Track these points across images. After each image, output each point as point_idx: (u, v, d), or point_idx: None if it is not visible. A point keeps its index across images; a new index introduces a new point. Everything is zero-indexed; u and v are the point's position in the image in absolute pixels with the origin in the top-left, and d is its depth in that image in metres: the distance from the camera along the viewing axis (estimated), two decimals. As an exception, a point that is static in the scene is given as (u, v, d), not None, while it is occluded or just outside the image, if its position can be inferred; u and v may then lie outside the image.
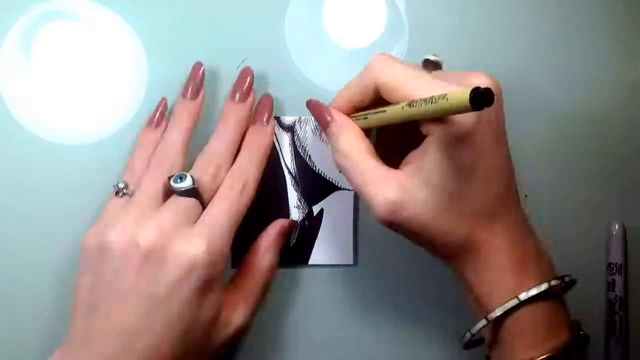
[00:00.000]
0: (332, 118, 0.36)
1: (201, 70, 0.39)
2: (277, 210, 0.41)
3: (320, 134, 0.41)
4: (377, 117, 0.34)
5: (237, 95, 0.39)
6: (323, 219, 0.41)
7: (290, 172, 0.41)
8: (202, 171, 0.37)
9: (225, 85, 0.40)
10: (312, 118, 0.39)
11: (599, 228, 0.43)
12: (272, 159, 0.40)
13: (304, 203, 0.41)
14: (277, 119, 0.40)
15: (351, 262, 0.42)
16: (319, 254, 0.41)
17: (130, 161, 0.38)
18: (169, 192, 0.36)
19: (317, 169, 0.41)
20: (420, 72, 0.34)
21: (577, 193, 0.43)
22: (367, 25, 0.41)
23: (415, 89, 0.32)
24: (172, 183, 0.36)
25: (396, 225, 0.33)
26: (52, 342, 0.39)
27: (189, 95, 0.39)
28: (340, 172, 0.35)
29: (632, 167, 0.44)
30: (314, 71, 0.41)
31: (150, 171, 0.37)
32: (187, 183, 0.35)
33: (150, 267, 0.33)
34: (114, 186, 0.37)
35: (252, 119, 0.40)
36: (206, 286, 0.34)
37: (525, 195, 0.43)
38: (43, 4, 0.39)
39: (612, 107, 0.44)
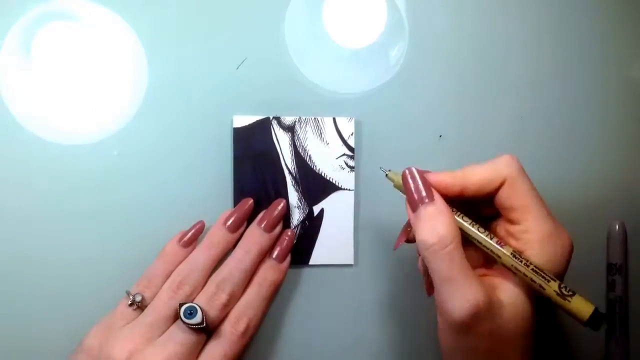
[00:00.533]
0: (432, 198, 0.33)
1: (248, 207, 0.40)
2: None
3: (320, 136, 0.41)
4: (477, 236, 0.33)
5: (265, 224, 0.39)
6: (323, 219, 0.41)
7: (290, 172, 0.41)
8: (212, 301, 0.37)
9: (226, 85, 0.40)
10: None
11: (599, 228, 0.43)
12: (273, 159, 0.40)
13: (304, 203, 0.41)
14: (277, 119, 0.40)
15: (351, 262, 0.42)
16: (320, 254, 0.41)
17: (149, 271, 0.39)
18: (177, 316, 0.36)
19: (317, 169, 0.41)
20: (543, 201, 0.33)
21: (577, 193, 0.43)
22: (367, 25, 0.41)
23: (538, 210, 0.32)
24: (182, 316, 0.35)
25: (474, 330, 0.31)
26: (53, 342, 0.39)
27: (230, 229, 0.39)
28: (425, 256, 0.32)
29: (632, 167, 0.44)
30: (314, 71, 0.41)
31: (170, 291, 0.37)
32: (197, 320, 0.35)
33: None
34: (130, 296, 0.37)
35: (270, 255, 0.40)
36: None
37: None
38: (43, 4, 0.39)
39: (612, 106, 0.44)
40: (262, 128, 0.40)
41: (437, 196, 0.33)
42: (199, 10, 0.40)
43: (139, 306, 0.37)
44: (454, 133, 0.42)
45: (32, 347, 0.39)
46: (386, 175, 0.36)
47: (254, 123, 0.40)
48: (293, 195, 0.41)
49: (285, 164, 0.41)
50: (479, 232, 0.33)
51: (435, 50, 0.42)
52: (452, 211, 0.33)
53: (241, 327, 0.37)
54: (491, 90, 0.42)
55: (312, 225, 0.41)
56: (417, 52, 0.42)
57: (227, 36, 0.41)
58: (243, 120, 0.40)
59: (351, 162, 0.41)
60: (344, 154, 0.41)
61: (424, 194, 0.33)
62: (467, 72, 0.42)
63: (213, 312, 0.37)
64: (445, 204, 0.33)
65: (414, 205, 0.33)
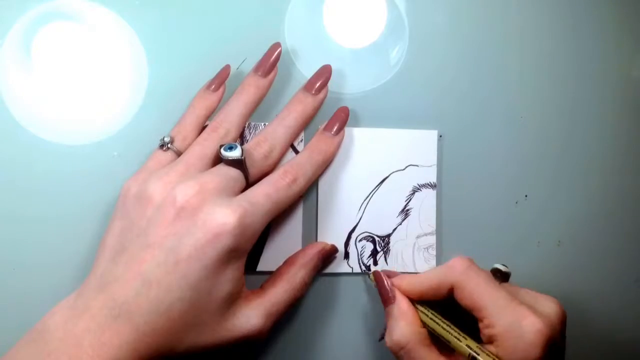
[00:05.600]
0: (395, 299, 0.36)
1: (278, 51, 0.39)
2: None
3: None
4: (440, 330, 0.35)
5: (314, 88, 0.39)
6: (271, 226, 0.40)
7: None
8: (255, 147, 0.37)
9: (227, 85, 0.40)
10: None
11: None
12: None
13: None
14: None
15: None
16: (268, 260, 0.40)
17: (181, 119, 0.39)
18: (217, 160, 0.36)
19: None
20: (500, 286, 0.34)
21: (577, 193, 0.44)
22: (367, 25, 0.41)
23: (492, 304, 0.33)
24: (221, 150, 0.35)
25: None
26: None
27: (260, 72, 0.39)
28: (392, 353, 0.35)
29: (632, 167, 0.44)
30: (314, 71, 0.41)
31: (204, 134, 0.37)
32: (236, 153, 0.35)
33: (180, 224, 0.33)
34: (161, 139, 0.38)
35: (323, 125, 0.40)
36: (229, 257, 0.33)
37: (525, 196, 0.43)
38: (43, 4, 0.39)
39: (612, 106, 0.44)
40: None
41: (399, 298, 0.36)
42: (199, 10, 0.40)
43: (170, 148, 0.37)
44: (454, 133, 0.42)
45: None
46: (368, 276, 0.39)
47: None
48: None
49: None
50: (443, 327, 0.35)
51: (435, 50, 0.42)
52: (420, 308, 0.36)
53: (289, 177, 0.37)
54: (491, 90, 0.43)
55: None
56: (417, 52, 0.42)
57: (227, 36, 0.41)
58: None
59: None
60: None
61: (389, 295, 0.37)
62: (467, 72, 0.42)
63: (255, 154, 0.37)
64: (406, 304, 0.36)
65: (383, 304, 0.37)
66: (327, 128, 0.40)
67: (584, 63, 0.43)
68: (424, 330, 0.35)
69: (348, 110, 0.40)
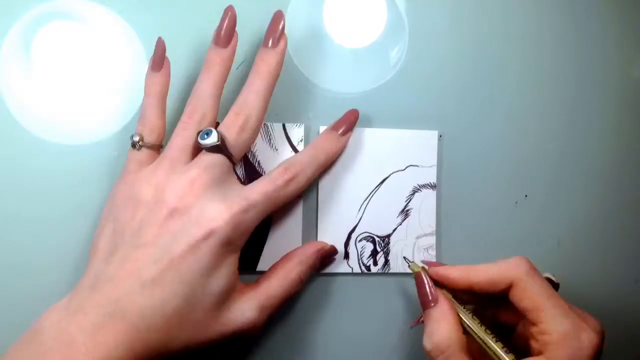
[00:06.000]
0: (437, 302, 0.35)
1: (232, 15, 0.37)
2: None
3: (269, 142, 0.40)
4: (482, 336, 0.34)
5: (271, 41, 0.37)
6: (271, 226, 0.40)
7: (239, 178, 0.40)
8: (230, 124, 0.36)
9: (227, 85, 0.40)
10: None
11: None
12: None
13: None
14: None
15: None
16: (267, 261, 0.40)
17: (141, 111, 0.37)
18: (198, 146, 0.36)
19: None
20: (558, 295, 0.33)
21: (577, 192, 0.44)
22: (367, 25, 0.41)
23: (552, 310, 0.32)
24: (199, 140, 0.35)
25: None
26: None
27: (220, 44, 0.37)
28: (428, 358, 0.34)
29: (632, 167, 0.44)
30: (314, 71, 0.41)
31: (181, 123, 0.37)
32: (212, 139, 0.35)
33: (173, 223, 0.33)
34: (130, 139, 0.37)
35: (330, 125, 0.40)
36: (223, 253, 0.34)
37: (525, 196, 0.43)
38: (43, 4, 0.39)
39: (612, 106, 0.44)
40: None
41: (441, 300, 0.35)
42: (199, 10, 0.40)
43: (141, 145, 0.37)
44: (454, 133, 0.42)
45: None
46: (409, 265, 0.37)
47: None
48: None
49: (234, 170, 0.40)
50: (485, 334, 0.34)
51: (435, 50, 0.42)
52: (463, 310, 0.35)
53: (288, 175, 0.36)
54: (491, 90, 0.43)
55: (259, 232, 0.40)
56: (417, 52, 0.42)
57: (227, 36, 0.41)
58: None
59: None
60: None
61: (429, 297, 0.35)
62: (467, 72, 0.42)
63: (231, 135, 0.36)
64: (448, 308, 0.34)
65: (422, 306, 0.35)
66: (335, 128, 0.40)
67: (584, 63, 0.43)
68: (464, 337, 0.34)
69: (358, 113, 0.40)
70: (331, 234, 0.41)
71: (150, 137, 0.37)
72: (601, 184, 0.44)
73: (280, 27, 0.37)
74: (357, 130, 0.41)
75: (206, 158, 0.35)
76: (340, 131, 0.40)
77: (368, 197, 0.41)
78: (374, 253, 0.41)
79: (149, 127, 0.37)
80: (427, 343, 0.34)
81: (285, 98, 0.41)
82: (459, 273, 0.35)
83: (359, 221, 0.41)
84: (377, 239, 0.41)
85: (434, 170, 0.41)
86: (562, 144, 0.43)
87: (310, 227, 0.41)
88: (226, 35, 0.37)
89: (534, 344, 0.32)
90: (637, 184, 0.44)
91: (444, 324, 0.34)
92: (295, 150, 0.41)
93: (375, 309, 0.42)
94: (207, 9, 0.40)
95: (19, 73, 0.39)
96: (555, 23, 0.43)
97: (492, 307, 0.36)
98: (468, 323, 0.34)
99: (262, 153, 0.40)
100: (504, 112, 0.43)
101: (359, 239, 0.41)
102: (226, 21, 0.37)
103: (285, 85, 0.41)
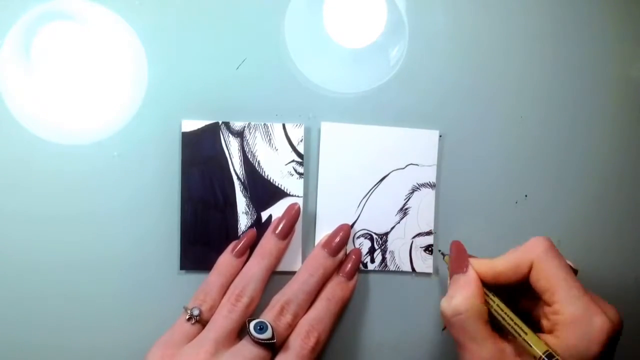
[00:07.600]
0: (467, 269, 0.35)
1: (295, 213, 0.40)
2: (225, 216, 0.40)
3: (270, 142, 0.40)
4: (506, 321, 0.34)
5: (329, 249, 0.39)
6: (270, 225, 0.40)
7: (239, 178, 0.40)
8: (280, 320, 0.37)
9: (226, 85, 0.40)
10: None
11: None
12: (221, 164, 0.40)
13: (252, 209, 0.40)
14: (227, 124, 0.40)
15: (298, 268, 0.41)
16: None
17: (205, 285, 0.39)
18: (243, 327, 0.37)
19: (266, 175, 0.40)
20: (575, 277, 0.33)
21: (577, 193, 0.44)
22: (367, 25, 0.41)
23: (567, 291, 0.32)
24: (252, 331, 0.36)
25: None
26: (53, 343, 0.39)
27: (280, 235, 0.39)
28: (443, 319, 0.35)
29: (632, 167, 0.44)
30: (314, 71, 0.41)
31: (228, 304, 0.37)
32: (267, 335, 0.36)
33: None
34: (187, 310, 0.37)
35: (337, 269, 0.40)
36: None
37: (525, 196, 0.43)
38: (43, 4, 0.39)
39: (612, 106, 0.44)
40: (211, 133, 0.40)
41: (471, 271, 0.35)
42: (199, 10, 0.40)
43: (197, 320, 0.37)
44: (454, 133, 0.42)
45: (33, 350, 0.39)
46: (443, 258, 0.39)
47: (202, 127, 0.40)
48: (241, 201, 0.40)
49: (234, 170, 0.40)
50: (505, 315, 0.34)
51: (435, 50, 0.42)
52: (487, 293, 0.35)
53: (312, 341, 0.37)
54: (491, 90, 0.43)
55: (259, 231, 0.40)
56: (417, 52, 0.42)
57: (227, 36, 0.41)
58: (192, 124, 0.40)
59: (300, 169, 0.41)
60: (293, 160, 0.41)
61: (463, 263, 0.36)
62: (467, 72, 0.42)
63: (281, 328, 0.37)
64: (476, 279, 0.35)
65: (452, 271, 0.36)
66: (343, 273, 0.40)
67: (584, 63, 0.43)
68: (485, 308, 0.34)
69: (360, 253, 0.41)
70: (330, 230, 0.41)
71: (208, 314, 0.38)
72: (601, 184, 0.44)
73: (341, 239, 0.40)
74: (357, 127, 0.41)
75: (253, 350, 0.36)
76: (350, 275, 0.40)
77: (367, 194, 0.41)
78: (372, 250, 0.41)
79: (210, 304, 0.38)
80: (445, 304, 0.34)
81: (285, 98, 0.41)
82: (480, 265, 0.35)
83: (358, 218, 0.41)
84: (375, 236, 0.41)
85: (433, 170, 0.42)
86: (562, 144, 0.43)
87: (310, 223, 0.41)
88: (286, 229, 0.39)
89: (546, 323, 0.33)
90: (637, 184, 0.44)
91: (467, 289, 0.34)
92: (295, 150, 0.41)
93: (372, 306, 0.42)
94: (207, 8, 0.40)
95: (19, 73, 0.39)
96: (555, 23, 0.43)
97: (513, 300, 0.36)
98: (491, 297, 0.35)
99: (262, 153, 0.40)
100: (504, 112, 0.43)
101: (357, 236, 0.41)
102: (289, 217, 0.39)
103: (285, 85, 0.41)
